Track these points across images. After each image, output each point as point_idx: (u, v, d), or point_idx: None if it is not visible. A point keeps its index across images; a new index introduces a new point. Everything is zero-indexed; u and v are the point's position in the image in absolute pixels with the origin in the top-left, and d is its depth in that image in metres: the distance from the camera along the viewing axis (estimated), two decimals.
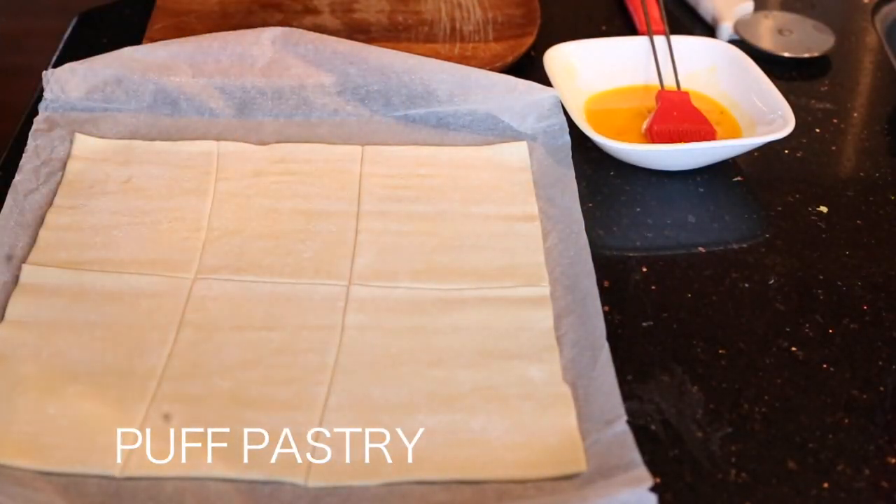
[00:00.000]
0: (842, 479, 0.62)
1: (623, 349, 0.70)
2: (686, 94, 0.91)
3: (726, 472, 0.62)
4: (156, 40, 0.96)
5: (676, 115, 0.88)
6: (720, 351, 0.70)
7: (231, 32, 0.90)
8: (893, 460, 0.64)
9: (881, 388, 0.68)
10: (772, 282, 0.76)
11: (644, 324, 0.72)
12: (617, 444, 0.61)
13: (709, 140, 0.86)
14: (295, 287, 0.72)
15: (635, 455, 0.59)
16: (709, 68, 0.94)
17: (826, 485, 0.62)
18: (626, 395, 0.66)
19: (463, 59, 0.96)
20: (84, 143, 0.83)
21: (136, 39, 0.97)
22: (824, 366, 0.70)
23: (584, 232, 0.76)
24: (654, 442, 0.64)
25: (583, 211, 0.81)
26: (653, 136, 0.87)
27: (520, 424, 0.63)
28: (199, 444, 0.61)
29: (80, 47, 0.98)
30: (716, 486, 0.61)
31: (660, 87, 0.92)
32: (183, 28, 0.99)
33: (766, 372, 0.69)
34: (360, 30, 1.01)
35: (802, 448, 0.64)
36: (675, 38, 0.98)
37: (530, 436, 0.62)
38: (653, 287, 0.75)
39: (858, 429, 0.65)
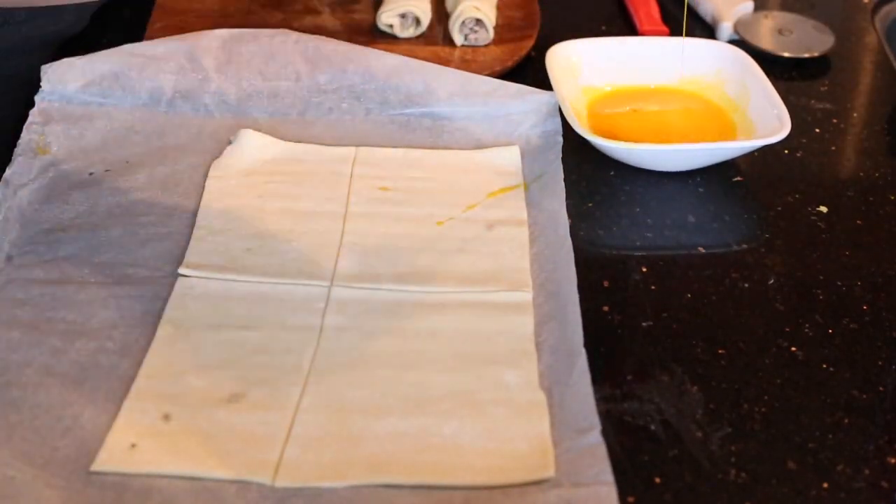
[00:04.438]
0: (842, 479, 0.62)
1: (623, 349, 0.70)
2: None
3: (726, 472, 0.62)
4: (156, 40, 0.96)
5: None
6: (720, 351, 0.70)
7: (230, 31, 0.90)
8: (893, 460, 0.64)
9: (881, 388, 0.68)
10: (772, 282, 0.76)
11: (644, 324, 0.72)
12: (589, 455, 0.60)
13: None
14: (276, 287, 0.72)
15: (606, 467, 0.59)
16: (714, 71, 0.93)
17: (826, 485, 0.62)
18: (626, 395, 0.66)
19: (463, 62, 0.96)
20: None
21: (137, 39, 0.97)
22: (824, 366, 0.70)
23: (569, 238, 0.75)
24: (654, 442, 0.64)
25: (583, 211, 0.82)
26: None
27: (492, 430, 0.63)
28: (168, 442, 0.61)
29: (81, 47, 0.98)
30: (716, 486, 0.61)
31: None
32: (183, 27, 0.99)
33: (766, 372, 0.69)
34: (360, 31, 1.00)
35: (802, 448, 0.64)
36: (679, 40, 0.98)
37: (502, 441, 0.62)
38: (653, 287, 0.75)
39: (858, 429, 0.65)
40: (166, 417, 0.63)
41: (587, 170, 0.86)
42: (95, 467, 0.60)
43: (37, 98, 0.86)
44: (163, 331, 0.68)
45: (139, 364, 0.66)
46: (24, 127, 0.84)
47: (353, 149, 0.85)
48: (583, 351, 0.66)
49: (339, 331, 0.69)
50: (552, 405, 0.64)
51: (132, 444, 0.61)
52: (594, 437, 0.61)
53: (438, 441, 0.62)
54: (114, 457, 0.60)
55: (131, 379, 0.65)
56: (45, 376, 0.65)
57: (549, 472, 0.60)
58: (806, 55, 1.02)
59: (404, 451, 0.61)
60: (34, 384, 0.64)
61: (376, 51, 0.90)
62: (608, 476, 0.59)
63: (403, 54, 0.96)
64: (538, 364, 0.67)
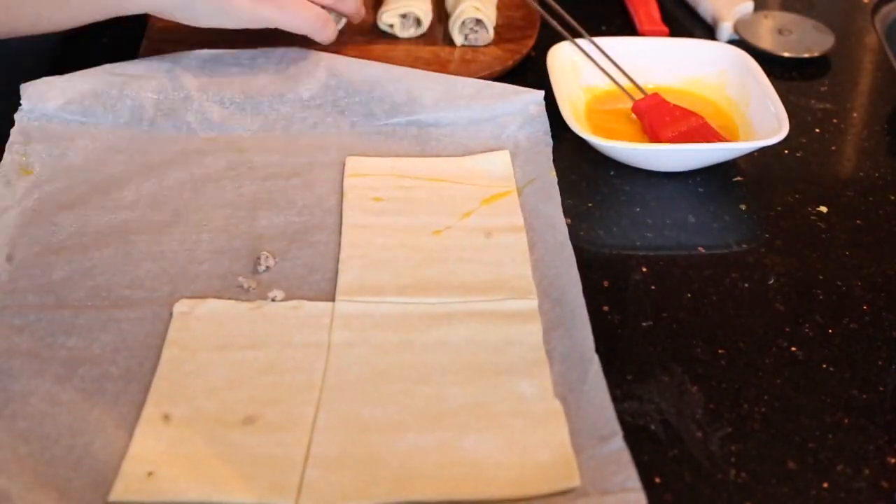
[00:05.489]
0: (842, 479, 0.62)
1: (623, 349, 0.70)
2: (657, 94, 0.90)
3: (726, 472, 0.62)
4: (156, 40, 0.96)
5: (669, 119, 0.87)
6: (720, 351, 0.70)
7: (210, 51, 0.90)
8: (893, 460, 0.64)
9: (881, 388, 0.68)
10: (772, 282, 0.76)
11: (644, 324, 0.72)
12: (613, 462, 0.60)
13: (707, 128, 0.87)
14: (278, 304, 0.71)
15: (632, 474, 0.59)
16: (716, 71, 0.94)
17: (826, 485, 0.62)
18: (626, 395, 0.66)
19: (463, 62, 0.96)
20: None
21: (137, 39, 0.97)
22: (824, 366, 0.70)
23: (568, 241, 0.75)
24: (654, 442, 0.64)
25: (583, 211, 0.82)
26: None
27: (512, 441, 0.62)
28: (185, 468, 0.60)
29: (80, 47, 0.98)
30: (716, 486, 0.61)
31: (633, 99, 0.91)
32: (183, 27, 0.99)
33: (766, 372, 0.69)
34: (360, 31, 1.00)
35: (802, 448, 0.64)
36: (681, 41, 0.98)
37: (523, 453, 0.62)
38: (653, 287, 0.75)
39: (858, 429, 0.65)
40: (181, 442, 0.62)
41: (587, 170, 0.86)
42: (113, 497, 0.59)
43: (17, 116, 0.85)
44: (168, 353, 0.67)
45: (146, 388, 0.65)
46: (6, 147, 0.82)
47: (343, 159, 0.84)
48: (595, 357, 0.66)
49: (347, 346, 0.68)
50: (569, 413, 0.64)
51: (149, 472, 0.60)
52: (617, 444, 0.61)
53: (459, 455, 0.62)
54: (131, 486, 0.59)
55: (140, 404, 0.64)
56: (52, 405, 0.64)
57: (575, 482, 0.60)
58: (806, 55, 1.02)
59: (426, 468, 0.61)
60: (40, 414, 0.63)
61: (358, 61, 0.89)
62: (635, 483, 0.59)
63: (403, 54, 0.96)
64: (550, 372, 0.66)
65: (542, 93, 0.87)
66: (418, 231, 0.78)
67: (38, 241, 0.75)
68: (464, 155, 0.85)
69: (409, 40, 0.99)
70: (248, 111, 0.88)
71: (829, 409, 0.67)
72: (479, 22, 0.98)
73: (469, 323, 0.70)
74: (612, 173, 0.86)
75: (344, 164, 0.84)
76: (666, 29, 1.05)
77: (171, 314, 0.70)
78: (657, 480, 0.62)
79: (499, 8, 1.02)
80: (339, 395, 0.65)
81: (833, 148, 0.91)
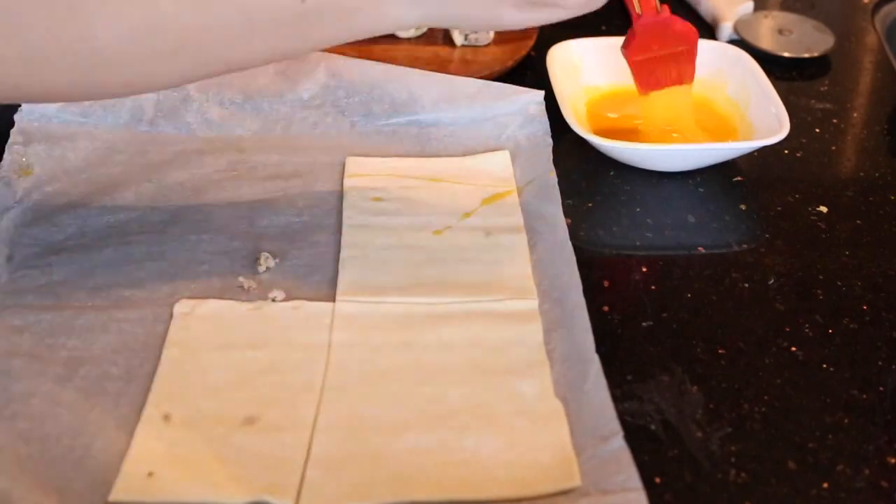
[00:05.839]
0: (842, 479, 0.62)
1: (623, 349, 0.70)
2: (666, 7, 0.85)
3: (726, 472, 0.62)
4: None
5: (657, 47, 0.85)
6: (720, 351, 0.70)
7: None
8: (893, 460, 0.64)
9: (881, 388, 0.68)
10: (772, 282, 0.76)
11: (644, 324, 0.72)
12: (614, 461, 0.60)
13: (688, 59, 0.85)
14: (278, 304, 0.71)
15: (633, 473, 0.59)
16: (716, 71, 0.94)
17: (826, 485, 0.62)
18: (626, 395, 0.66)
19: (463, 63, 0.96)
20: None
21: None
22: (824, 366, 0.70)
23: (569, 241, 0.75)
24: (653, 442, 0.64)
25: (583, 211, 0.82)
26: (632, 66, 0.84)
27: (513, 441, 0.62)
28: (186, 469, 0.60)
29: None
30: (715, 486, 0.62)
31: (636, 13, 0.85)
32: None
33: (765, 372, 0.69)
34: None
35: (802, 448, 0.64)
36: None
37: (523, 453, 0.62)
38: (653, 287, 0.75)
39: (858, 429, 0.65)
40: (181, 443, 0.61)
41: (587, 170, 0.86)
42: (113, 498, 0.59)
43: (16, 117, 0.84)
44: (168, 353, 0.67)
45: (147, 389, 0.65)
46: (6, 147, 0.82)
47: (343, 159, 0.84)
48: (595, 357, 0.66)
49: (347, 347, 0.68)
50: (569, 413, 0.64)
51: (149, 472, 0.60)
52: (617, 443, 0.61)
53: (460, 456, 0.61)
54: (131, 487, 0.59)
55: (140, 405, 0.64)
56: (52, 406, 0.63)
57: (576, 482, 0.60)
58: (806, 55, 1.02)
59: (427, 468, 0.61)
60: (41, 414, 0.63)
61: (358, 61, 0.89)
62: (636, 482, 0.58)
63: (404, 54, 0.96)
64: (551, 373, 0.66)
65: (542, 93, 0.87)
66: (418, 231, 0.78)
67: (38, 241, 0.75)
68: (464, 155, 0.85)
69: (409, 40, 0.99)
70: (248, 111, 0.88)
71: (829, 409, 0.67)
72: None
73: (469, 323, 0.70)
74: (612, 173, 0.86)
75: (344, 165, 0.84)
76: None
77: (171, 314, 0.70)
78: (657, 480, 0.62)
79: None
80: (339, 395, 0.65)
81: (833, 148, 0.91)
